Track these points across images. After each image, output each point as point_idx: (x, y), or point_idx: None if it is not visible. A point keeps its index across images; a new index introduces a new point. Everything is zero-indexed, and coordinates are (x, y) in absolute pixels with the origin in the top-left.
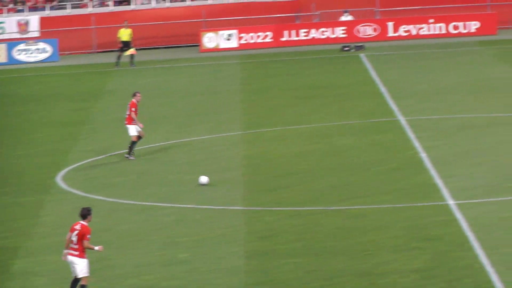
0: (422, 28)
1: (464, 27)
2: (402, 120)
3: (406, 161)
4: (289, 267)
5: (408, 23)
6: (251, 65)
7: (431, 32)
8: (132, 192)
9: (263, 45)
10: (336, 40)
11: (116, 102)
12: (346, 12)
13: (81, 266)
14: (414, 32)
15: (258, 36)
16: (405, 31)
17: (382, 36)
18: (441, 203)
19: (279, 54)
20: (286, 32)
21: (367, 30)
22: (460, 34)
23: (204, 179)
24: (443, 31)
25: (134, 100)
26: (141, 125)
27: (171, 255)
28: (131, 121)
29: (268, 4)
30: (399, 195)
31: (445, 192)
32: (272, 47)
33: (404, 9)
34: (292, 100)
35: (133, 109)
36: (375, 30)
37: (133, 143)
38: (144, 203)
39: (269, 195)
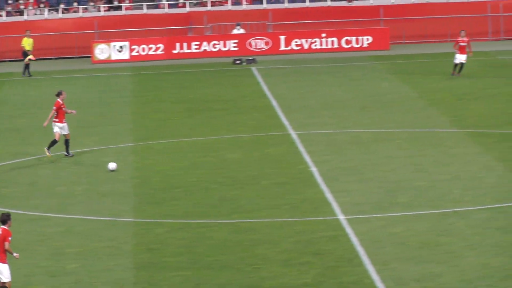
0: (314, 42)
1: (357, 42)
2: (293, 134)
3: (297, 175)
4: (177, 279)
5: (300, 37)
6: (142, 77)
7: (324, 47)
8: (20, 203)
9: (155, 57)
10: (228, 53)
11: (7, 112)
12: (238, 25)
13: (5, 271)
14: (306, 46)
15: (150, 48)
16: (297, 45)
17: (274, 49)
18: (331, 218)
19: (171, 67)
20: (178, 45)
21: (259, 44)
22: (352, 49)
23: (112, 165)
24: (336, 46)
25: (60, 100)
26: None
27: (58, 266)
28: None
29: (160, 16)
30: (289, 209)
31: (335, 207)
32: (163, 59)
33: (297, 23)
34: (183, 113)
35: (54, 107)
36: (267, 43)
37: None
38: (32, 213)
39: (158, 207)
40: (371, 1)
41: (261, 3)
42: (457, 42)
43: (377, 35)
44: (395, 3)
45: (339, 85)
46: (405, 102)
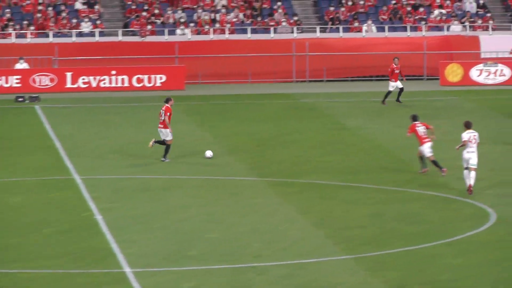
0: (103, 80)
1: (149, 81)
2: (78, 179)
3: (81, 223)
4: None
5: (88, 74)
6: None
7: (113, 85)
8: None
9: None
10: (10, 89)
11: None
12: (21, 59)
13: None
14: (94, 84)
15: None
16: (85, 83)
17: (59, 87)
18: (116, 270)
19: None
20: None
21: (43, 80)
22: (144, 88)
23: (209, 153)
24: (126, 84)
25: (168, 105)
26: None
27: None
28: (166, 125)
29: None
30: (71, 260)
31: (120, 259)
32: None
33: (85, 59)
34: None
35: (168, 113)
36: (52, 80)
37: (168, 147)
38: None
39: None
40: (166, 37)
41: (47, 36)
42: (392, 69)
43: (171, 73)
44: (192, 39)
45: (130, 126)
46: (201, 146)
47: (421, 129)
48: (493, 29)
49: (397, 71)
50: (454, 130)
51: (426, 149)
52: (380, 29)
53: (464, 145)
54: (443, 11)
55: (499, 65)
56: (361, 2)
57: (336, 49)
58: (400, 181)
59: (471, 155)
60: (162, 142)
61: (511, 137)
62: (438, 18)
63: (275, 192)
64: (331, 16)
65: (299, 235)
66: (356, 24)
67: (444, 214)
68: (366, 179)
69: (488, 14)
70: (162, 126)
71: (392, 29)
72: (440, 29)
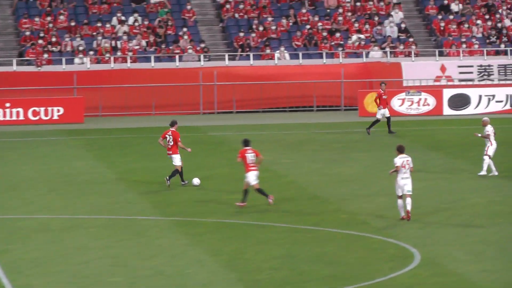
0: None
1: (46, 113)
2: None
3: None
4: None
5: None
6: None
7: (7, 118)
8: None
9: None
10: None
11: None
12: None
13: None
14: None
15: None
16: None
17: None
18: None
19: None
20: None
21: None
22: (41, 121)
23: (196, 181)
24: (21, 117)
25: (174, 129)
26: (189, 149)
27: None
28: (176, 150)
29: None
30: None
31: None
32: None
33: None
34: None
35: (178, 138)
36: None
37: (176, 171)
38: None
39: None
40: (64, 66)
41: None
42: (379, 95)
43: (69, 105)
44: (91, 69)
45: (25, 163)
46: (102, 184)
47: (250, 156)
48: (416, 55)
49: (384, 97)
50: (373, 164)
51: (251, 177)
52: (294, 56)
53: (396, 170)
54: (362, 36)
55: (423, 93)
56: (273, 28)
57: (246, 78)
58: (315, 220)
59: (405, 181)
60: (175, 173)
61: (435, 171)
62: (357, 43)
63: (182, 232)
64: (240, 43)
65: (208, 278)
66: (267, 51)
67: (363, 255)
68: (278, 218)
69: (411, 39)
70: (171, 152)
71: (307, 56)
72: (358, 55)
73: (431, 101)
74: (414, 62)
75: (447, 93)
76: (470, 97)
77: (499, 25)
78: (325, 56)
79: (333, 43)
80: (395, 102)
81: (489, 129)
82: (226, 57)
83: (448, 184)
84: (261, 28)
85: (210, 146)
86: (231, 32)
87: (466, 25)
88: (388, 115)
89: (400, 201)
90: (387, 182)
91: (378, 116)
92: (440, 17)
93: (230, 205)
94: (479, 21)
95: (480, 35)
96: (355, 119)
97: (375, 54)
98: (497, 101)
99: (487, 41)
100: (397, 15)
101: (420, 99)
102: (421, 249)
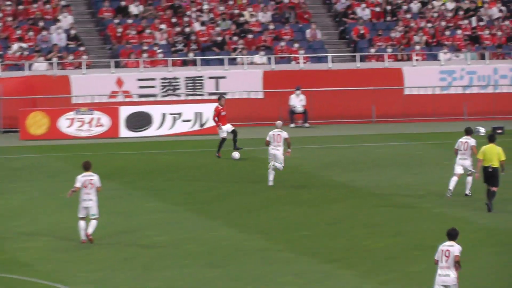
0: None
1: None
2: None
3: None
4: None
5: None
6: None
7: None
8: None
9: None
10: None
11: None
12: None
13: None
14: None
15: None
16: None
17: None
18: None
19: None
20: None
21: None
22: None
23: (236, 155)
24: None
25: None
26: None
27: None
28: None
29: None
30: None
31: None
32: None
33: None
34: None
35: (215, 113)
36: None
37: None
38: None
39: None
40: None
41: None
42: (218, 111)
43: None
44: None
45: None
46: None
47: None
48: (88, 67)
49: (223, 113)
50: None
51: None
52: None
53: (75, 191)
54: (24, 45)
55: (96, 112)
56: None
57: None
58: None
59: (89, 203)
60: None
61: (110, 205)
62: (18, 54)
63: None
64: None
65: None
66: None
67: None
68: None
69: (82, 48)
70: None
71: None
72: (20, 67)
73: (106, 121)
74: (85, 75)
75: (125, 112)
76: (151, 115)
77: (187, 30)
78: None
79: None
80: (63, 123)
81: None
82: None
83: (123, 220)
84: None
85: None
86: None
87: (148, 31)
88: (233, 129)
89: None
90: (54, 218)
91: (223, 135)
92: (116, 21)
93: None
94: (163, 26)
95: (164, 42)
96: (15, 143)
97: (40, 66)
98: (184, 120)
99: (173, 49)
100: (66, 19)
101: (92, 118)
102: None
